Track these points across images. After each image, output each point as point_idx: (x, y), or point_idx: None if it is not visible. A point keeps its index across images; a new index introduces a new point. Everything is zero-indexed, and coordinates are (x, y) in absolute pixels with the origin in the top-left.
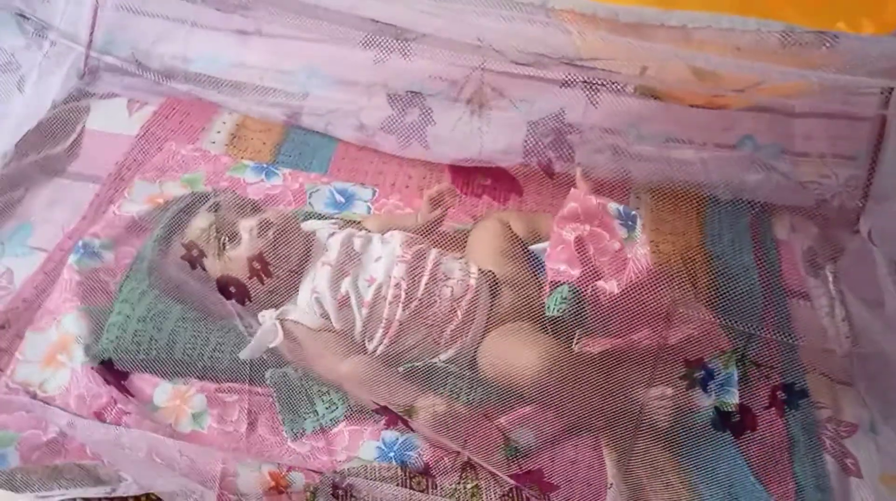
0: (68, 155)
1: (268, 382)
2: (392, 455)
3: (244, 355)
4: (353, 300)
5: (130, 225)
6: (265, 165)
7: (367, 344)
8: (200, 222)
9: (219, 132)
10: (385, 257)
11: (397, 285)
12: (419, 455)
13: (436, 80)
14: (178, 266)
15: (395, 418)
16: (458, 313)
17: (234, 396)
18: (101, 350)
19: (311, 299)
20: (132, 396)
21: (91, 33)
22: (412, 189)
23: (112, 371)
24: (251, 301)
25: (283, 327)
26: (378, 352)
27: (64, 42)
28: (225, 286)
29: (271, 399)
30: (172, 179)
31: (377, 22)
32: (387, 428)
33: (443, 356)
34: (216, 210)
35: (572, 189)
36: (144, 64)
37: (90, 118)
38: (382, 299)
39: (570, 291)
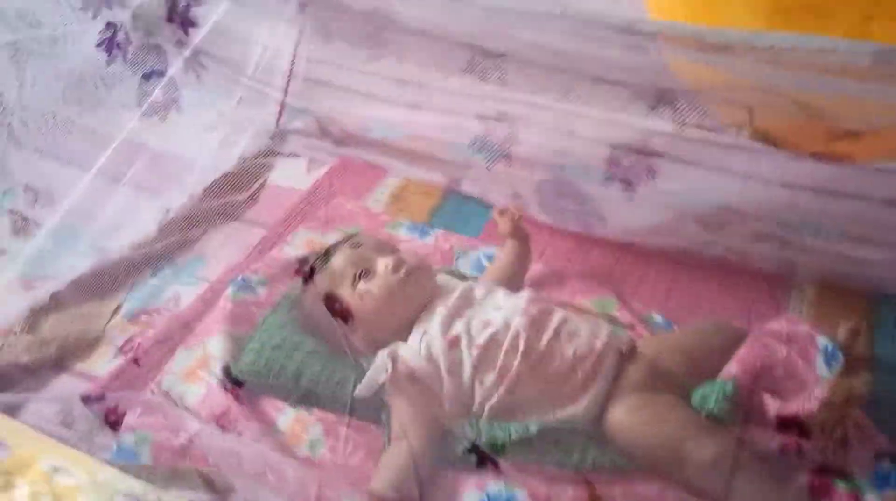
0: (247, 203)
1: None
2: None
3: (360, 392)
4: (463, 342)
5: (286, 266)
6: (420, 225)
7: (475, 389)
8: (340, 257)
9: (382, 193)
10: (507, 309)
11: (516, 336)
12: None
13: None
14: (316, 301)
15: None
16: (579, 372)
17: (349, 430)
18: (237, 371)
19: (420, 339)
20: (257, 416)
21: (283, 99)
22: (559, 260)
23: (243, 391)
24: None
25: (393, 363)
26: (492, 400)
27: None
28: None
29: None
30: (333, 229)
31: None
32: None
33: (559, 415)
34: (357, 247)
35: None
36: (326, 129)
37: (272, 174)
38: (496, 345)
39: (734, 390)
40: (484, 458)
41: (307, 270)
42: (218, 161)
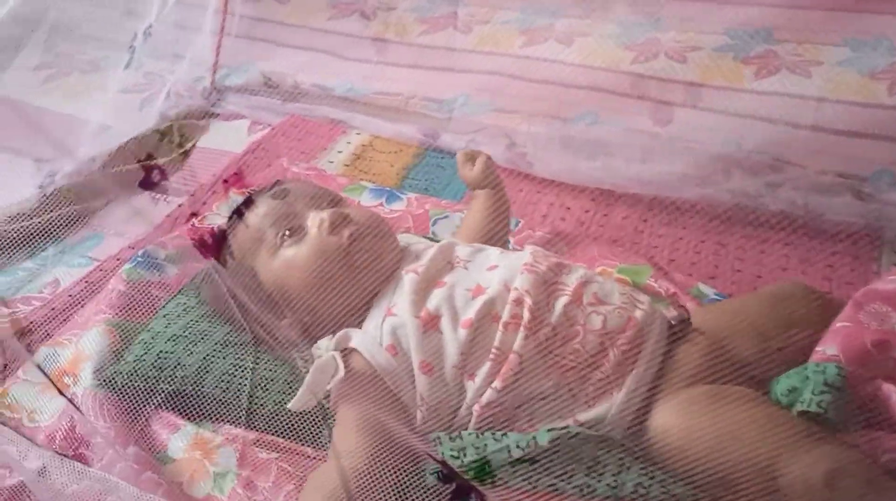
0: (167, 170)
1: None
2: None
3: (295, 404)
4: (445, 321)
5: (209, 237)
6: (388, 189)
7: (464, 386)
8: (259, 210)
9: (340, 152)
10: (504, 266)
11: (518, 302)
12: None
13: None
14: (232, 271)
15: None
16: (611, 353)
17: (275, 454)
18: (114, 373)
19: (380, 321)
20: (138, 439)
21: (217, 54)
22: (569, 223)
23: (122, 403)
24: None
25: (344, 359)
26: (483, 400)
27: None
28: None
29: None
30: None
31: None
32: None
33: (582, 416)
34: (283, 197)
35: None
36: (274, 84)
37: (206, 137)
38: (493, 319)
39: (838, 377)
40: (462, 489)
41: (217, 232)
42: (135, 125)
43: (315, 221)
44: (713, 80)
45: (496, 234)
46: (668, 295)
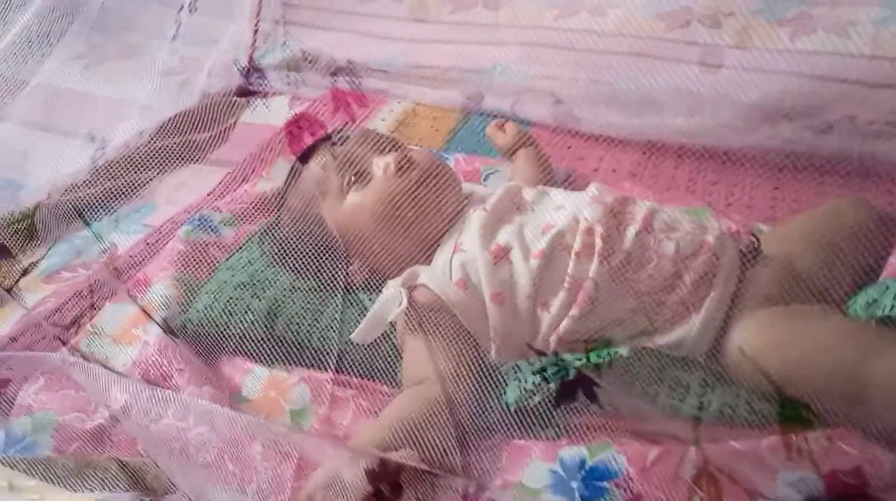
0: (213, 143)
1: None
2: (577, 486)
3: (357, 335)
4: (515, 253)
5: (261, 202)
6: (434, 151)
7: (538, 316)
8: (322, 158)
9: (383, 120)
10: (571, 204)
11: (589, 232)
12: (626, 486)
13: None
14: (294, 220)
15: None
16: (687, 278)
17: (350, 391)
18: (185, 320)
19: (448, 257)
20: (213, 381)
21: (255, 35)
22: (621, 175)
23: (195, 349)
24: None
25: (409, 294)
26: (561, 329)
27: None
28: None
29: None
30: None
31: None
32: (571, 444)
33: (660, 340)
34: (341, 143)
35: None
36: (314, 60)
37: (248, 113)
38: (564, 249)
39: None
40: (572, 385)
41: (283, 185)
42: (177, 103)
43: (380, 165)
44: (747, 42)
45: (547, 181)
46: (731, 232)
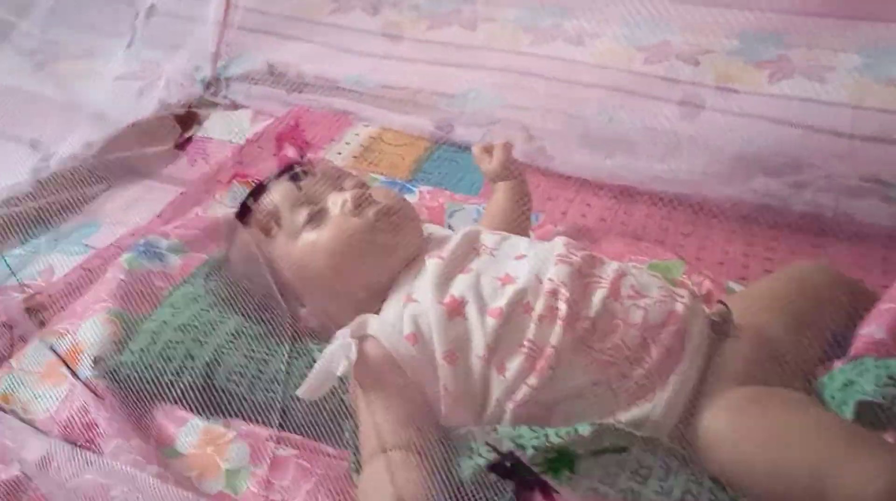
0: (166, 158)
1: None
2: None
3: (304, 390)
4: (471, 308)
5: (213, 228)
6: (399, 182)
7: (492, 380)
8: (276, 194)
9: (348, 144)
10: (534, 256)
11: (554, 293)
12: None
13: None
14: (244, 258)
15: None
16: (653, 349)
17: (292, 451)
18: (117, 364)
19: (400, 307)
20: (142, 431)
21: (219, 43)
22: (591, 219)
23: (125, 395)
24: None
25: (360, 347)
26: (517, 397)
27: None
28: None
29: (348, 465)
30: None
31: None
32: None
33: (622, 416)
34: (300, 180)
35: None
36: (279, 74)
37: (207, 126)
38: (525, 311)
39: None
40: (528, 484)
41: (235, 214)
42: (133, 112)
43: (337, 202)
44: (726, 82)
45: (520, 225)
46: (705, 292)
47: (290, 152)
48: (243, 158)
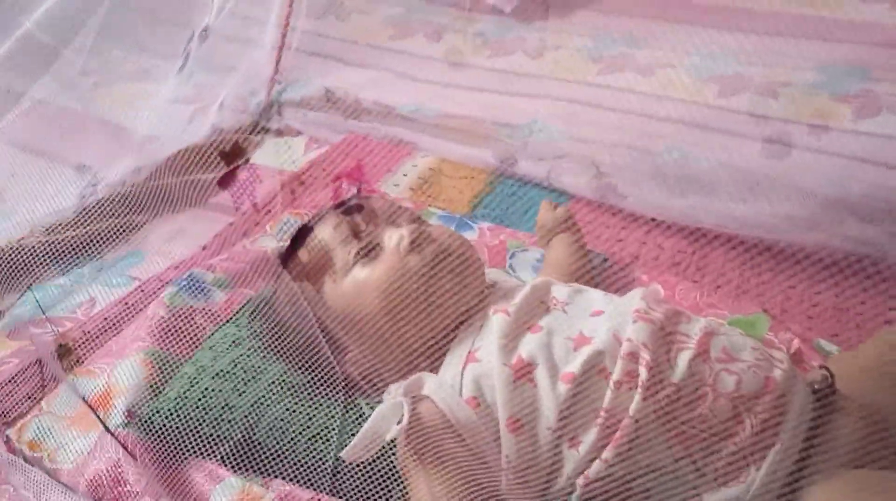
0: (217, 186)
1: None
2: None
3: (349, 452)
4: (541, 372)
5: (260, 262)
6: (458, 217)
7: (563, 454)
8: (328, 227)
9: (405, 175)
10: (611, 313)
11: (633, 356)
12: None
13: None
14: (289, 299)
15: None
16: (747, 422)
17: None
18: (151, 412)
19: (460, 367)
20: (174, 488)
21: (276, 68)
22: (662, 263)
23: (156, 447)
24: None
25: (412, 407)
26: (591, 473)
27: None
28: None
29: None
30: None
31: None
32: None
33: (710, 498)
34: (355, 213)
35: None
36: (335, 99)
37: (260, 153)
38: (601, 375)
39: None
40: None
41: (282, 250)
42: (185, 137)
43: (393, 238)
44: (808, 118)
45: (583, 275)
46: (793, 352)
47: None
48: (294, 186)
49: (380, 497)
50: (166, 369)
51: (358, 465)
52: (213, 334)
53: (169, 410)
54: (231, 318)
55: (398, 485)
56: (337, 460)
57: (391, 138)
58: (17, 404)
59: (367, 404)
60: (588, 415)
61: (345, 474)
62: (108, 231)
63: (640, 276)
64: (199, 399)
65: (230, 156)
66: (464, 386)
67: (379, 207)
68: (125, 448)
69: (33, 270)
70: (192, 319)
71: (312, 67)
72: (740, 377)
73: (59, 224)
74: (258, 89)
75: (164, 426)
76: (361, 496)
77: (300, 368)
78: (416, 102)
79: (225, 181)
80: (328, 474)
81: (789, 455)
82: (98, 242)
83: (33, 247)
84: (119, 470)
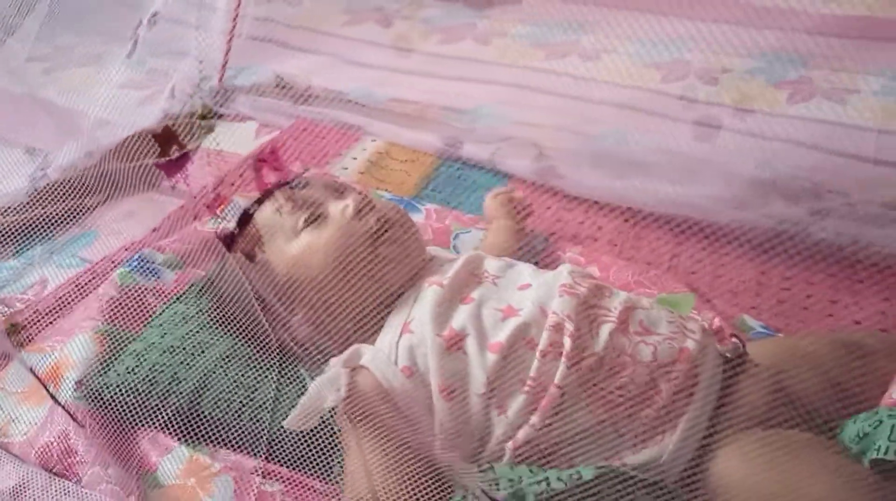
0: (169, 169)
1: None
2: None
3: (291, 421)
4: (470, 341)
5: (211, 243)
6: (405, 199)
7: (492, 419)
8: (276, 200)
9: (354, 159)
10: (539, 286)
11: (558, 328)
12: None
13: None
14: (233, 274)
15: None
16: (663, 389)
17: (278, 486)
18: (100, 386)
19: (396, 336)
20: (123, 458)
21: (227, 53)
22: (600, 243)
23: (107, 419)
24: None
25: (349, 377)
26: (519, 437)
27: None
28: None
29: None
30: None
31: None
32: None
33: (629, 459)
34: (302, 188)
35: None
36: (286, 85)
37: (211, 138)
38: (527, 346)
39: None
40: None
41: (229, 228)
42: (136, 121)
43: (339, 206)
44: (745, 102)
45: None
46: (715, 329)
47: (271, 178)
48: (244, 170)
49: (320, 464)
50: (117, 345)
51: (299, 433)
52: (161, 312)
53: (118, 384)
54: (179, 296)
55: (338, 452)
56: (280, 429)
57: (341, 123)
58: None
59: (310, 375)
60: (516, 383)
61: (286, 442)
62: (60, 214)
63: (577, 257)
64: (148, 373)
65: (162, 139)
66: (399, 356)
67: (325, 182)
68: (74, 419)
69: None
70: (143, 298)
71: (262, 53)
72: (656, 347)
73: (10, 207)
74: (210, 75)
75: (114, 399)
76: (302, 463)
77: (243, 339)
78: (366, 87)
79: (173, 166)
80: (265, 442)
81: (701, 418)
82: (49, 224)
83: None
84: (69, 440)
